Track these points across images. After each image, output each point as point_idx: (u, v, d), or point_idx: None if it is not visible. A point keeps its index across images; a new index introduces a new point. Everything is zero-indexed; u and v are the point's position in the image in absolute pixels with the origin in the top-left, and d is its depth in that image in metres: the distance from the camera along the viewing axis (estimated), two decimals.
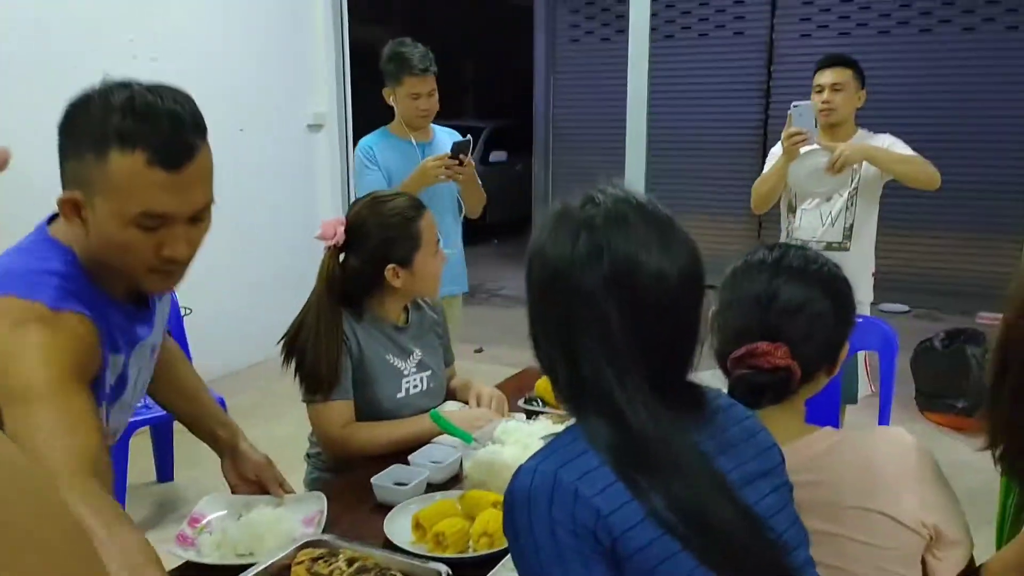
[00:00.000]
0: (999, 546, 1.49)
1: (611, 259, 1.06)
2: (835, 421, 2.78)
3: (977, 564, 1.43)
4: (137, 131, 1.23)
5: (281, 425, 4.00)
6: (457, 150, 3.28)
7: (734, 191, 7.69)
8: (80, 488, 1.11)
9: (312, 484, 2.20)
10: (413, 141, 3.48)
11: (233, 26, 5.13)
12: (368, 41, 3.74)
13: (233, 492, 1.83)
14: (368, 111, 3.69)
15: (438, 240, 2.21)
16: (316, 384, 2.06)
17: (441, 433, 2.07)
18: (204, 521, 1.72)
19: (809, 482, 1.32)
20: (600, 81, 8.38)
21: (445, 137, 3.59)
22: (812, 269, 1.42)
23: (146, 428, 3.54)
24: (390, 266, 2.11)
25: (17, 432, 1.16)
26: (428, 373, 2.26)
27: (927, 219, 7.10)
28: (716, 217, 7.78)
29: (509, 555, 1.55)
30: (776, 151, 3.50)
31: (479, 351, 6.00)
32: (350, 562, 1.49)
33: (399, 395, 2.18)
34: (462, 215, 3.58)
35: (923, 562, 1.40)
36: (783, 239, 3.56)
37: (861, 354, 3.42)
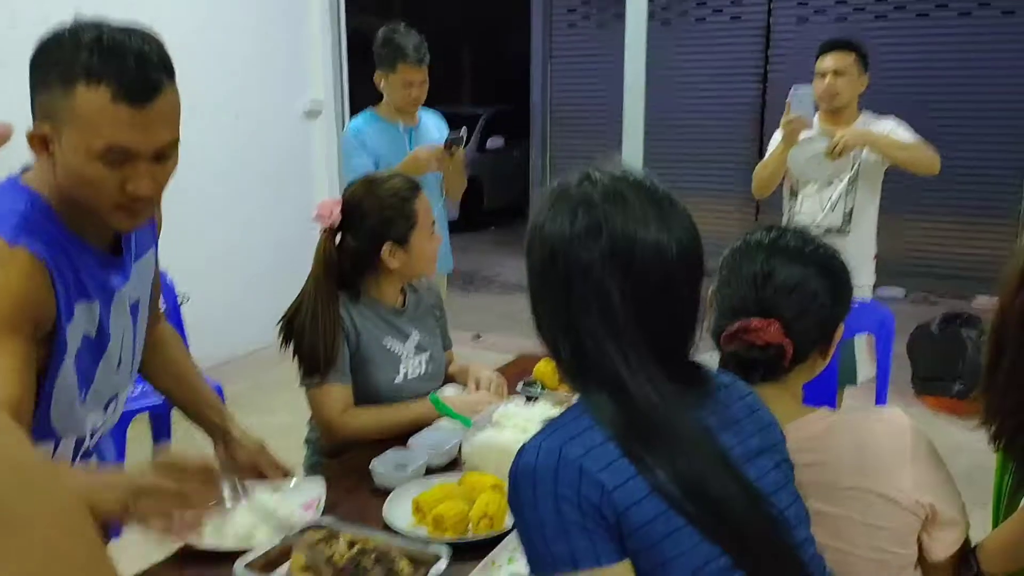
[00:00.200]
0: (995, 525, 1.50)
1: (610, 235, 1.06)
2: (832, 404, 2.79)
3: (973, 544, 1.44)
4: (104, 67, 1.25)
5: (279, 412, 4.01)
6: (451, 142, 3.33)
7: (731, 176, 7.70)
8: None
9: (311, 469, 2.20)
10: (401, 125, 3.55)
11: (230, 13, 5.11)
12: (365, 28, 3.74)
13: (228, 478, 1.83)
14: (365, 98, 3.70)
15: (433, 221, 2.22)
16: (313, 365, 2.07)
17: (440, 417, 2.08)
18: None
19: (805, 463, 1.33)
20: (597, 66, 8.37)
21: (431, 121, 3.67)
22: (808, 250, 1.43)
23: (144, 415, 3.54)
24: (387, 246, 2.12)
25: None
26: (426, 356, 2.26)
27: (923, 204, 7.10)
28: (713, 202, 7.78)
29: (508, 537, 1.56)
30: (777, 136, 3.49)
31: (477, 338, 6.01)
32: (350, 545, 1.50)
33: (397, 379, 2.19)
34: (443, 199, 3.69)
35: (919, 541, 1.41)
36: (784, 224, 3.56)
37: (863, 336, 3.43)
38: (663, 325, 1.09)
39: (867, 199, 3.45)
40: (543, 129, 9.25)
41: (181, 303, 3.74)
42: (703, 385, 1.17)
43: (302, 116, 5.68)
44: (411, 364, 2.22)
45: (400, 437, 2.01)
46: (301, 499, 1.76)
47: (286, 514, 1.68)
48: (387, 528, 1.64)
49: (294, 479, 1.84)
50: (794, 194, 3.58)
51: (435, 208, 3.49)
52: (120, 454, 3.06)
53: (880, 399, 3.47)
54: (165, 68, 1.31)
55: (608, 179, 1.11)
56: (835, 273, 1.44)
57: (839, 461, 1.39)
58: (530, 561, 1.05)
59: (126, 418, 3.08)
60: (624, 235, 1.06)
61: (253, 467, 1.81)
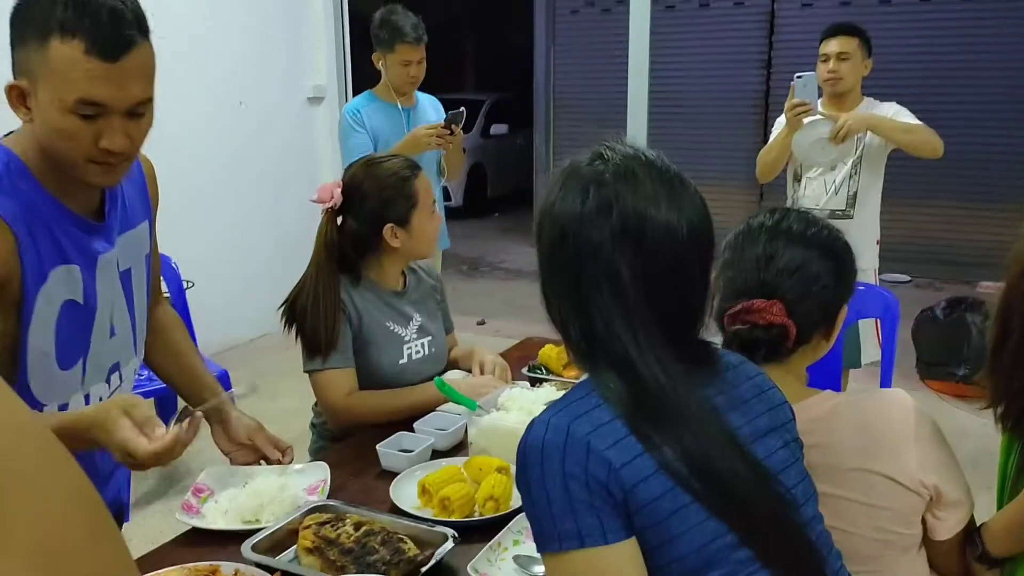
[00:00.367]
0: (1000, 507, 1.51)
1: (620, 214, 1.06)
2: (837, 387, 2.79)
3: (978, 524, 1.45)
4: (77, 21, 1.28)
5: (284, 398, 4.02)
6: (451, 120, 3.36)
7: (735, 161, 7.67)
8: None
9: (317, 453, 2.21)
10: (399, 106, 3.60)
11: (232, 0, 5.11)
12: (368, 14, 3.75)
13: (231, 462, 1.83)
14: (368, 83, 3.73)
15: (434, 200, 2.23)
16: (316, 347, 2.08)
17: (446, 401, 2.09)
18: (207, 491, 1.74)
19: (809, 444, 1.33)
20: (601, 52, 8.33)
21: (427, 103, 3.74)
22: (811, 232, 1.44)
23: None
24: (388, 226, 2.12)
25: None
26: (429, 339, 2.27)
27: (928, 188, 7.08)
28: (717, 187, 7.75)
29: (515, 519, 1.57)
30: (781, 121, 3.50)
31: (481, 323, 6.02)
32: (357, 526, 1.51)
33: (401, 361, 2.19)
34: (442, 180, 3.75)
35: (924, 522, 1.41)
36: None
37: (868, 320, 3.43)
38: (673, 304, 1.10)
39: (871, 183, 3.45)
40: (547, 116, 9.22)
41: (186, 289, 3.75)
42: (712, 365, 1.17)
43: (306, 103, 5.68)
44: (414, 346, 2.23)
45: (406, 421, 2.02)
46: (305, 483, 1.76)
47: (291, 496, 1.69)
48: (393, 509, 1.65)
49: (293, 459, 1.84)
50: (798, 178, 3.58)
51: (435, 189, 3.54)
52: None
53: (885, 383, 3.47)
54: (139, 25, 1.34)
55: (620, 158, 1.11)
56: (838, 255, 1.44)
57: (842, 443, 1.39)
58: (537, 538, 1.06)
59: None
60: (635, 214, 1.07)
61: (252, 446, 1.82)
